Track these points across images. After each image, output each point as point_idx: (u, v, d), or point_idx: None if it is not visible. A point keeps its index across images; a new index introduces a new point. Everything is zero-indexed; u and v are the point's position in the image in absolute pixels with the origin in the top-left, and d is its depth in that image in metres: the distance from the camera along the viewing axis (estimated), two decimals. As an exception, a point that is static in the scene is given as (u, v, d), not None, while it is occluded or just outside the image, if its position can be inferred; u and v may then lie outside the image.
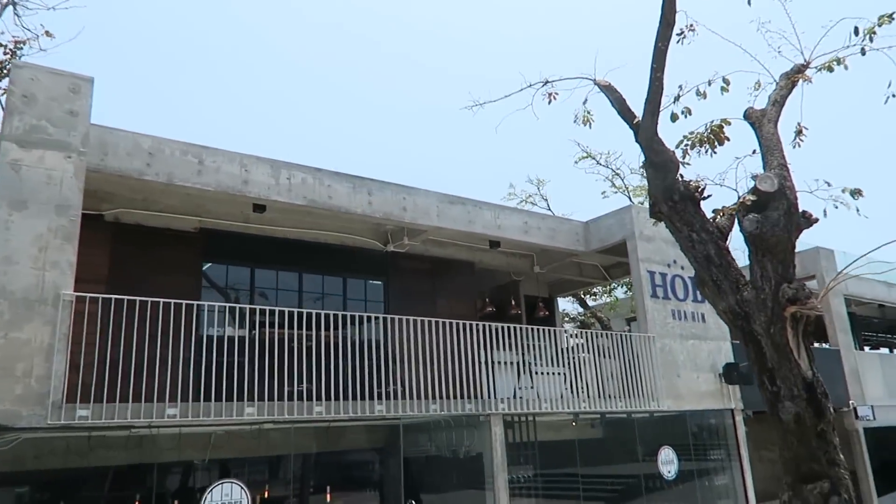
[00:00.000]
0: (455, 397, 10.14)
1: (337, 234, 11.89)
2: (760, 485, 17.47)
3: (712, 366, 13.02)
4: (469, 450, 9.88)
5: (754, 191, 6.93)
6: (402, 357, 10.36)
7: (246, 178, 9.56)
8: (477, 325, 10.74)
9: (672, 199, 7.46)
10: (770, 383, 7.02)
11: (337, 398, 8.44)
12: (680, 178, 7.51)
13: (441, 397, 10.03)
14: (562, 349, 11.40)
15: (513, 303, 14.85)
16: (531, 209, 21.16)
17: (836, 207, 7.35)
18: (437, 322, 10.48)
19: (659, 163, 7.46)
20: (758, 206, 6.98)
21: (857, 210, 7.22)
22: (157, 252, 10.09)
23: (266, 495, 7.82)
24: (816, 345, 18.00)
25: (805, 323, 6.90)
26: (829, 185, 7.21)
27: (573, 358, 11.26)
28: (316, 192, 10.19)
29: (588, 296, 21.06)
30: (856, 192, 7.23)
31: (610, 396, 11.54)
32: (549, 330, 11.21)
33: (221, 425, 7.68)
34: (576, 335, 12.03)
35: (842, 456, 7.00)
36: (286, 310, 8.76)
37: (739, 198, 7.05)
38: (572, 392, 11.22)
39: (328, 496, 8.51)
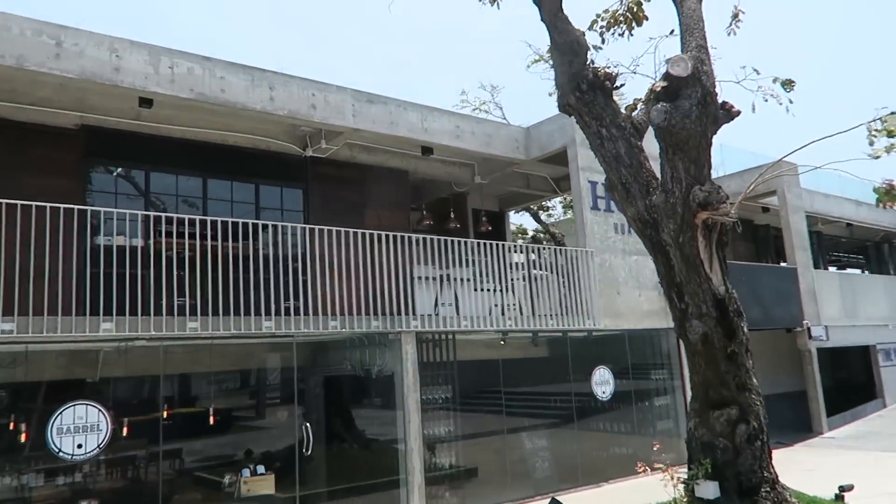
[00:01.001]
0: (368, 314, 9.37)
1: (248, 136, 10.76)
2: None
3: (657, 283, 12.23)
4: (382, 369, 9.17)
5: (666, 76, 5.88)
6: (312, 271, 9.53)
7: (117, 66, 8.36)
8: (395, 236, 9.83)
9: (580, 88, 6.40)
10: (678, 299, 6.21)
11: (216, 313, 7.58)
12: (589, 65, 6.44)
13: (349, 314, 9.25)
14: (490, 263, 10.54)
15: (452, 216, 13.92)
16: (486, 117, 19.91)
17: (767, 101, 6.36)
18: (349, 232, 9.58)
19: (564, 45, 6.35)
20: (669, 94, 5.94)
21: (789, 102, 6.23)
22: (29, 151, 9.00)
23: (130, 419, 7.07)
24: (783, 264, 17.27)
25: (720, 232, 6.02)
26: (757, 72, 6.18)
27: (503, 274, 10.42)
28: (205, 84, 9.01)
29: (544, 211, 20.14)
30: (787, 84, 6.21)
31: (542, 314, 10.81)
32: (474, 243, 10.32)
33: (70, 342, 6.84)
34: (509, 249, 11.15)
35: (755, 380, 6.27)
36: (149, 214, 7.79)
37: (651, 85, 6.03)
38: (503, 310, 10.46)
39: (212, 418, 7.80)
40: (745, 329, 6.03)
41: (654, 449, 8.17)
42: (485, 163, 13.27)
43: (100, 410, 6.87)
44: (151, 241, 8.89)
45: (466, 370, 9.90)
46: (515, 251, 11.34)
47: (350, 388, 10.39)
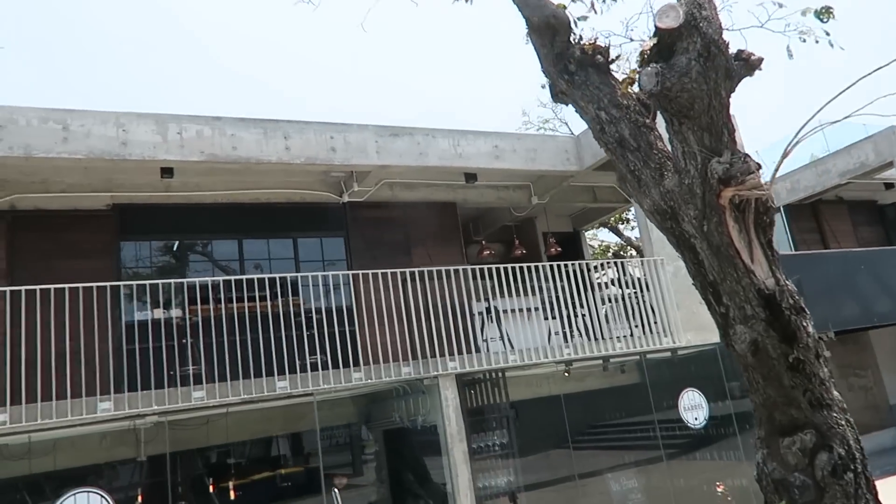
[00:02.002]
0: (415, 358, 8.74)
1: (281, 191, 10.56)
2: (855, 416, 14.82)
3: (749, 286, 10.69)
4: (426, 419, 8.37)
5: (655, 31, 4.86)
6: (352, 319, 9.08)
7: (125, 140, 8.33)
8: (437, 271, 9.21)
9: (567, 70, 5.47)
10: (716, 302, 4.99)
11: (224, 379, 7.13)
12: (575, 40, 5.52)
13: (393, 361, 8.64)
14: (547, 288, 9.59)
15: (516, 242, 13.02)
16: (551, 134, 18.88)
17: (804, 41, 5.14)
18: (384, 274, 9.05)
19: (540, 23, 5.48)
20: (664, 53, 4.91)
21: (829, 37, 4.99)
22: (63, 236, 9.16)
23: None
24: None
25: (757, 211, 4.81)
26: (780, 6, 5.00)
27: (557, 297, 9.42)
28: (216, 144, 8.83)
29: (625, 223, 18.63)
30: (824, 13, 4.99)
31: (612, 337, 9.64)
32: (517, 268, 9.42)
33: (67, 427, 6.59)
34: (563, 270, 10.08)
35: (836, 393, 4.90)
36: (158, 281, 7.53)
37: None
38: (566, 338, 9.43)
39: (232, 493, 7.27)
40: (811, 329, 4.72)
41: (719, 491, 6.69)
42: (540, 181, 12.34)
43: (103, 497, 6.50)
44: (185, 311, 8.74)
45: (527, 409, 8.87)
46: (572, 269, 10.26)
47: (411, 440, 9.64)
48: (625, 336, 9.45)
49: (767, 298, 4.64)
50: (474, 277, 10.10)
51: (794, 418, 4.75)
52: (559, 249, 13.25)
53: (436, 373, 8.32)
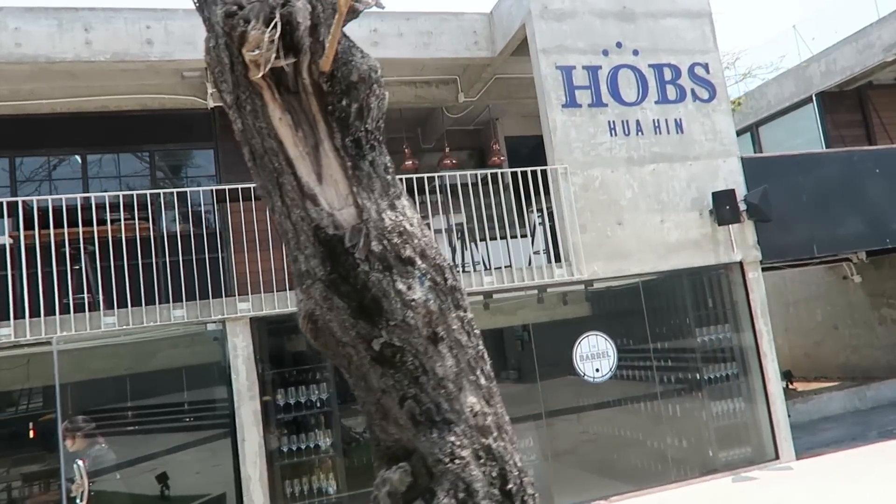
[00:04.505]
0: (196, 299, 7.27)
1: (133, 97, 9.11)
2: (882, 355, 12.11)
3: (697, 200, 8.26)
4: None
5: None
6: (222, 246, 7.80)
7: None
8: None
9: None
10: (282, 235, 3.14)
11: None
12: None
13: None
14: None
15: (446, 150, 10.98)
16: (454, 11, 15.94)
17: None
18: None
19: None
20: None
21: None
22: None
23: None
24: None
25: (317, 91, 2.78)
26: None
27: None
28: (-8, 40, 7.42)
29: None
30: None
31: (496, 268, 7.71)
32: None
33: None
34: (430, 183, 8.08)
35: (470, 399, 2.93)
36: None
37: None
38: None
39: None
40: (420, 294, 2.74)
41: None
42: (466, 73, 10.17)
43: None
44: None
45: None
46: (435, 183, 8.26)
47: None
48: (498, 269, 7.47)
49: (328, 244, 2.70)
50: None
51: (398, 440, 2.88)
52: (503, 158, 11.11)
53: (220, 317, 6.81)
